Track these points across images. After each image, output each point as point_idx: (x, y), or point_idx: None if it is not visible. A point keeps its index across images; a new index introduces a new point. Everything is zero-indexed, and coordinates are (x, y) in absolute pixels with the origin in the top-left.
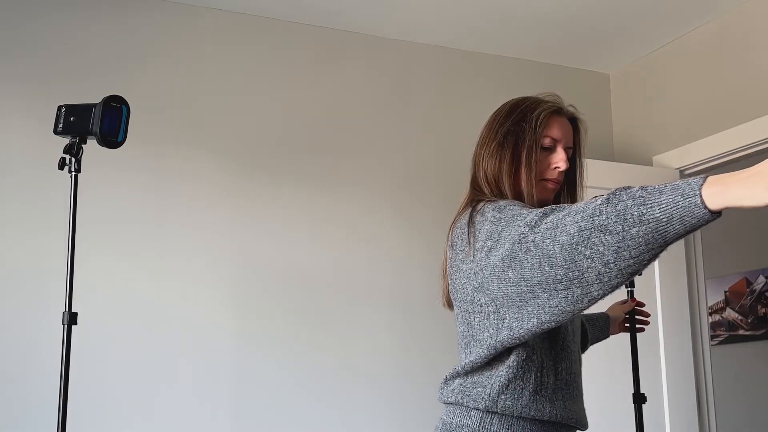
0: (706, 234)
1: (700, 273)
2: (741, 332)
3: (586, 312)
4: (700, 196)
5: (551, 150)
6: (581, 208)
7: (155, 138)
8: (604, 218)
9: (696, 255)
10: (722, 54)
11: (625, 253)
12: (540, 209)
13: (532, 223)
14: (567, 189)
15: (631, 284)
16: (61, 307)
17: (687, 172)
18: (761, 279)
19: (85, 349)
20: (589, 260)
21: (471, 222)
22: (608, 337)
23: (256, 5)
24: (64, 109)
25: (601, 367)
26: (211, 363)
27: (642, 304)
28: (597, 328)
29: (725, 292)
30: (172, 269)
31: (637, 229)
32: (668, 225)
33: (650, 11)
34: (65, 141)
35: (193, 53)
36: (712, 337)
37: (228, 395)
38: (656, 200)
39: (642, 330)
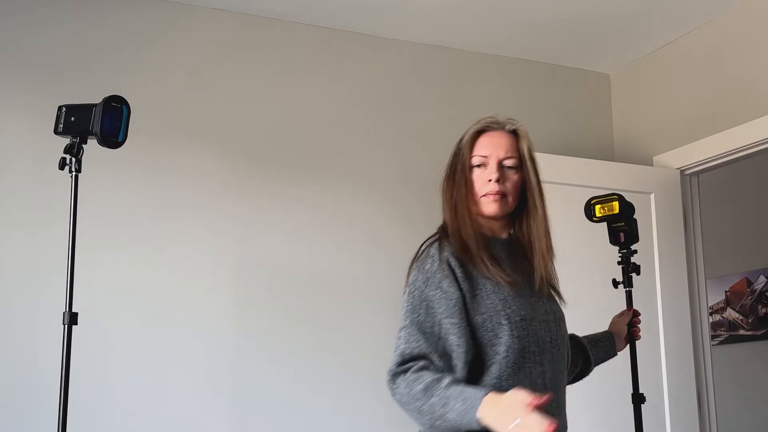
0: (707, 234)
1: (700, 273)
2: (741, 332)
3: (589, 334)
4: (476, 414)
5: (484, 166)
6: (412, 382)
7: (156, 138)
8: (420, 404)
9: (696, 255)
10: (723, 54)
11: (436, 428)
12: (397, 363)
13: (388, 376)
14: (527, 196)
15: (629, 283)
16: (62, 307)
17: (687, 171)
18: (762, 279)
19: (86, 348)
20: (417, 420)
21: (410, 266)
22: (616, 354)
23: (256, 5)
24: (64, 109)
25: (602, 368)
26: (212, 363)
27: (637, 313)
28: (601, 349)
29: (726, 292)
30: (172, 269)
31: (439, 422)
32: (459, 426)
33: (651, 11)
34: (66, 141)
35: (193, 53)
36: (713, 337)
37: (228, 394)
38: (453, 406)
39: (637, 338)
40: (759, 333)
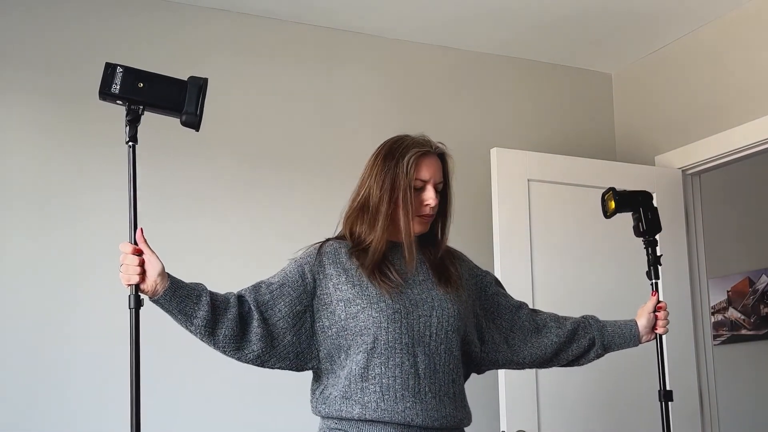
0: (709, 234)
1: (702, 273)
2: (743, 332)
3: (610, 319)
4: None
5: (422, 190)
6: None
7: (156, 138)
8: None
9: (698, 255)
10: (724, 53)
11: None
12: (243, 291)
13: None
14: (440, 218)
15: (656, 275)
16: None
17: (689, 171)
18: (764, 279)
19: (89, 339)
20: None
21: None
22: (638, 345)
23: (256, 5)
24: (120, 69)
25: (618, 363)
26: (217, 360)
27: (661, 304)
28: (617, 337)
29: (728, 291)
30: (175, 269)
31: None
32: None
33: (652, 11)
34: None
35: (193, 53)
36: (715, 337)
37: (237, 388)
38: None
39: (658, 330)
40: (761, 333)
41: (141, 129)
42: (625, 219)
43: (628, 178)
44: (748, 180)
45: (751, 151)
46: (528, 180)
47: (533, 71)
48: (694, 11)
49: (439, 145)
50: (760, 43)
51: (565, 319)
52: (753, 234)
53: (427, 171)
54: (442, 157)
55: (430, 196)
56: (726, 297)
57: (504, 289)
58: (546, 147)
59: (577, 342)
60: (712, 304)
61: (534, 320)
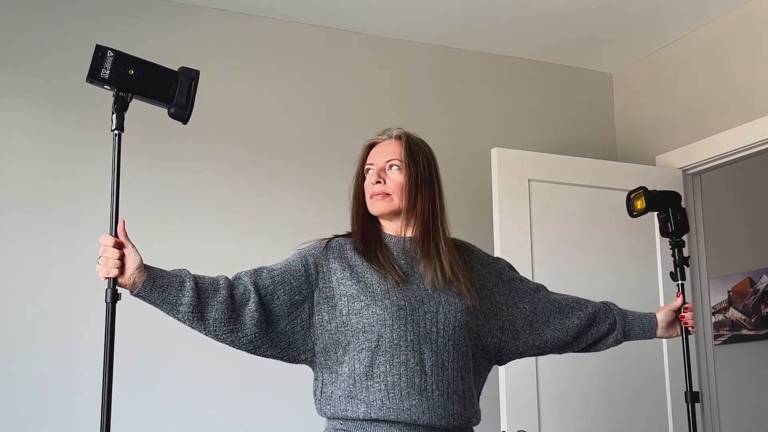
0: (710, 234)
1: (703, 273)
2: (744, 332)
3: (632, 309)
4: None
5: (371, 173)
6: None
7: (155, 139)
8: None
9: (699, 255)
10: (725, 53)
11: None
12: (241, 274)
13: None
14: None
15: (682, 276)
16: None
17: (690, 171)
18: (765, 278)
19: (71, 343)
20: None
21: None
22: (652, 338)
23: (256, 5)
24: (111, 54)
25: (619, 364)
26: (213, 359)
27: (688, 306)
28: (637, 326)
29: (728, 291)
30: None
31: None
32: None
33: (653, 10)
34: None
35: (194, 53)
36: (716, 337)
37: (229, 384)
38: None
39: (685, 324)
40: (762, 333)
41: (138, 128)
42: (626, 219)
43: (629, 178)
44: (748, 180)
45: (751, 151)
46: (528, 180)
47: (533, 71)
48: (694, 11)
49: (398, 129)
50: (760, 43)
51: (586, 301)
52: (754, 234)
53: (374, 156)
54: (401, 139)
55: (372, 175)
56: (727, 297)
57: (518, 273)
58: (546, 147)
59: (598, 326)
60: (712, 304)
61: (556, 301)
